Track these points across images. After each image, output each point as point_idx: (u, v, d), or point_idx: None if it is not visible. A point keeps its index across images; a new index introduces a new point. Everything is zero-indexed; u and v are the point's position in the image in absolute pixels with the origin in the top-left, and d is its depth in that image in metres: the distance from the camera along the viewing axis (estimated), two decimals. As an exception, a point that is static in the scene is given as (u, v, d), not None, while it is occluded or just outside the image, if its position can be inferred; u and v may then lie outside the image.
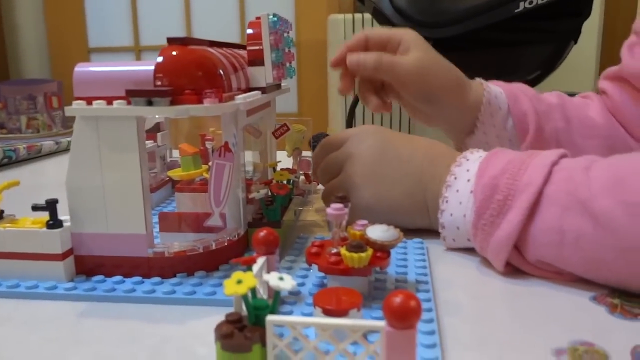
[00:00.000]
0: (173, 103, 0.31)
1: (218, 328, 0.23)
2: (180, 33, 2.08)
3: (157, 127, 0.56)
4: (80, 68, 0.33)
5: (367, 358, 0.22)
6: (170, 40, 0.34)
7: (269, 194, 0.43)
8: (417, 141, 0.46)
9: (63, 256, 0.34)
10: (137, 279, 0.34)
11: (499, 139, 0.54)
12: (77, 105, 0.32)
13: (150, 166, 0.56)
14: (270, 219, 0.42)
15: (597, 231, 0.32)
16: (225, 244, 0.37)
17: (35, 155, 0.83)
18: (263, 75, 0.41)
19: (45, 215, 0.35)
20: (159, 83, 0.32)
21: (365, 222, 0.34)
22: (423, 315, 0.24)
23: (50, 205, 0.34)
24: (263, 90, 0.41)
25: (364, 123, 1.50)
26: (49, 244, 0.34)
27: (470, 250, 0.41)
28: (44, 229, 0.34)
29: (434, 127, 0.57)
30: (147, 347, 0.28)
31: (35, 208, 0.35)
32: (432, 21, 0.91)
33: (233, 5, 2.04)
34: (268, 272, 0.29)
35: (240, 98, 0.34)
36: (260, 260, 0.28)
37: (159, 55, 0.32)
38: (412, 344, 0.20)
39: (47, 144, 0.85)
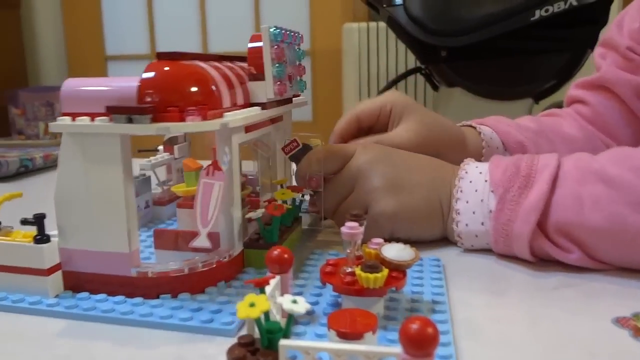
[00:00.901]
0: (156, 120, 0.30)
1: (230, 352, 0.22)
2: (195, 41, 2.11)
3: (175, 139, 0.56)
4: (68, 83, 0.33)
5: None
6: (160, 55, 0.33)
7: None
8: (417, 155, 0.48)
9: (49, 272, 0.34)
10: (120, 298, 0.34)
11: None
12: (62, 121, 0.32)
13: (168, 178, 0.56)
14: (268, 241, 0.40)
15: (612, 192, 0.37)
16: (214, 265, 0.36)
17: (52, 164, 0.84)
18: (264, 90, 0.40)
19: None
20: (148, 99, 0.32)
21: (380, 240, 0.33)
22: (439, 339, 0.23)
23: (38, 220, 0.34)
24: (263, 105, 0.40)
25: None
26: (36, 259, 0.34)
27: (487, 268, 0.41)
28: (31, 243, 0.34)
29: None
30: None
31: (24, 222, 0.34)
32: (447, 30, 0.89)
33: (248, 14, 2.06)
34: (282, 291, 0.29)
35: (230, 115, 0.33)
36: (274, 281, 0.28)
37: (145, 71, 0.32)
38: None
39: None
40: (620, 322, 0.31)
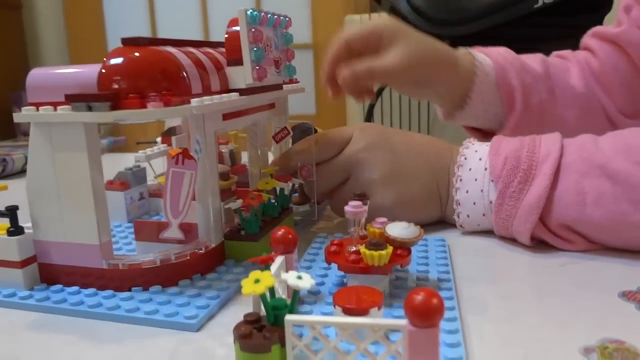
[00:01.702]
0: (116, 107, 0.29)
1: (237, 328, 0.23)
2: (196, 28, 2.12)
3: (173, 131, 0.55)
4: (33, 73, 0.32)
5: (388, 358, 0.21)
6: (125, 41, 0.32)
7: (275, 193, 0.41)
8: (415, 136, 0.48)
9: (22, 264, 0.34)
10: (91, 291, 0.33)
11: (485, 112, 0.53)
12: (26, 111, 0.31)
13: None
14: (248, 232, 0.39)
15: (616, 188, 0.36)
16: (188, 257, 0.35)
17: None
18: (242, 75, 0.39)
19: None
20: (115, 86, 0.31)
21: (384, 219, 0.33)
22: (446, 314, 0.24)
23: (11, 212, 0.34)
24: (242, 91, 0.39)
25: (382, 123, 1.46)
26: (9, 251, 0.34)
27: (492, 247, 0.41)
28: (4, 235, 0.34)
29: (421, 99, 0.57)
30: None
31: (-4, 214, 0.34)
32: (450, 19, 0.87)
33: (249, 3, 2.04)
34: (287, 271, 0.29)
35: (197, 101, 0.32)
36: (279, 260, 0.28)
37: (108, 57, 0.31)
38: (435, 343, 0.20)
39: None
40: (626, 295, 0.31)
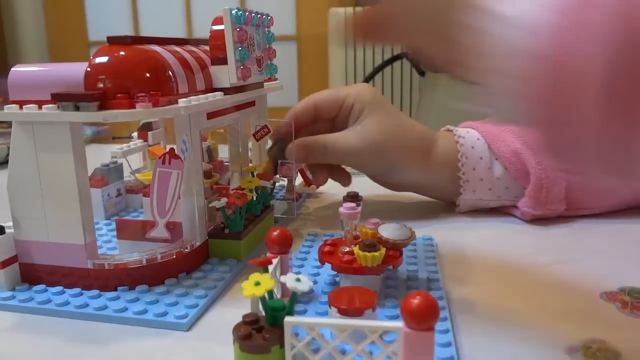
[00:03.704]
0: (104, 107, 0.29)
1: (236, 329, 0.23)
2: (180, 25, 2.08)
3: (149, 126, 0.55)
4: (16, 69, 0.31)
5: (384, 358, 0.22)
6: (110, 39, 0.32)
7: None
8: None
9: (3, 264, 0.33)
10: (76, 291, 0.33)
11: (492, 191, 0.47)
12: (9, 110, 0.31)
13: (143, 165, 0.55)
14: (232, 230, 0.39)
15: None
16: (174, 256, 0.35)
17: None
18: (226, 74, 0.39)
19: None
20: (100, 85, 0.31)
21: (376, 220, 0.34)
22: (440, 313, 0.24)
23: (-11, 212, 0.33)
24: (226, 90, 0.39)
25: None
26: (-12, 252, 0.33)
27: (480, 246, 0.41)
28: (-17, 236, 0.33)
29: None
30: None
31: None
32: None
33: (233, 0, 2.02)
34: (282, 271, 0.30)
35: (185, 101, 0.32)
36: (275, 261, 0.28)
37: (95, 56, 0.31)
38: (430, 345, 0.21)
39: None
40: (607, 296, 0.32)
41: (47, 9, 2.19)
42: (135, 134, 0.54)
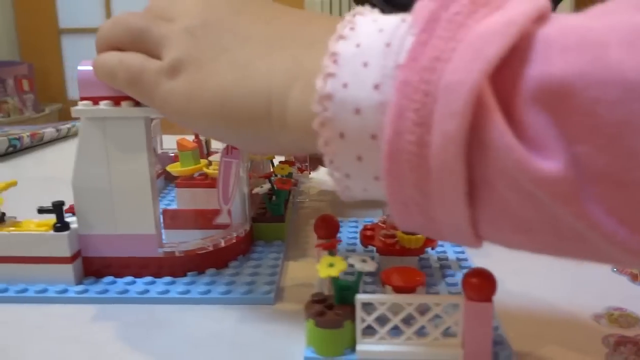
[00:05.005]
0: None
1: (309, 307, 0.25)
2: None
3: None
4: (83, 67, 0.32)
5: (446, 328, 0.25)
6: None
7: (272, 188, 0.43)
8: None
9: (72, 259, 0.34)
10: (149, 279, 0.34)
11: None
12: (84, 106, 0.31)
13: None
14: (275, 214, 0.42)
15: None
16: (234, 240, 0.37)
17: (38, 143, 0.83)
18: None
19: (48, 217, 0.34)
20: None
21: None
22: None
23: (57, 208, 0.34)
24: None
25: None
26: (57, 247, 0.34)
27: None
28: (51, 232, 0.34)
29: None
30: (164, 347, 0.28)
31: (42, 211, 0.34)
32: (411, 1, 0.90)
33: None
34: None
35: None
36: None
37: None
38: (489, 314, 0.24)
39: (49, 131, 0.86)
40: (618, 270, 0.36)
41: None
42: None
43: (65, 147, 0.85)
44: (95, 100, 0.32)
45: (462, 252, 0.39)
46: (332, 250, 0.27)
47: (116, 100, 0.31)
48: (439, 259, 0.38)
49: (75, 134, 0.93)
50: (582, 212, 0.17)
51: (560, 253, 0.21)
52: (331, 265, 0.25)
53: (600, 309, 0.31)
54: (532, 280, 0.35)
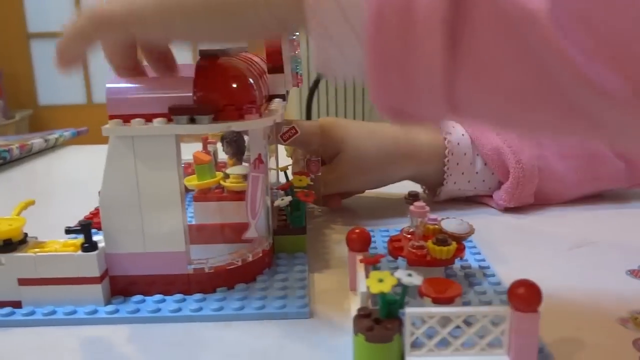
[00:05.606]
0: (216, 119, 0.31)
1: (359, 322, 0.25)
2: None
3: None
4: (111, 85, 0.32)
5: (492, 340, 0.25)
6: (202, 52, 0.33)
7: (293, 200, 0.43)
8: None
9: (100, 278, 0.34)
10: (179, 296, 0.34)
11: (470, 183, 0.52)
12: (114, 125, 0.31)
13: None
14: (296, 226, 0.42)
15: None
16: (260, 254, 0.37)
17: (27, 154, 0.83)
18: (282, 82, 0.41)
19: (71, 237, 0.34)
20: (195, 98, 0.32)
21: (436, 216, 0.37)
22: (501, 298, 0.29)
23: (85, 228, 0.33)
24: (283, 97, 0.41)
25: (319, 114, 1.50)
26: (86, 267, 0.33)
27: (513, 233, 0.45)
28: (79, 252, 0.33)
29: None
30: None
31: (69, 231, 0.33)
32: None
33: None
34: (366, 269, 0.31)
35: (274, 111, 0.34)
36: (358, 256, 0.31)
37: (197, 71, 0.32)
38: (536, 325, 0.24)
39: (37, 142, 0.86)
40: (632, 273, 0.37)
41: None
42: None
43: (54, 157, 0.85)
44: (126, 118, 0.31)
45: (483, 260, 0.39)
46: (376, 264, 0.27)
47: (147, 118, 0.31)
48: (462, 267, 0.38)
49: (63, 144, 0.91)
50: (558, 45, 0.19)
51: (548, 123, 0.23)
52: (381, 280, 0.25)
53: (624, 313, 0.32)
54: (549, 286, 0.35)
